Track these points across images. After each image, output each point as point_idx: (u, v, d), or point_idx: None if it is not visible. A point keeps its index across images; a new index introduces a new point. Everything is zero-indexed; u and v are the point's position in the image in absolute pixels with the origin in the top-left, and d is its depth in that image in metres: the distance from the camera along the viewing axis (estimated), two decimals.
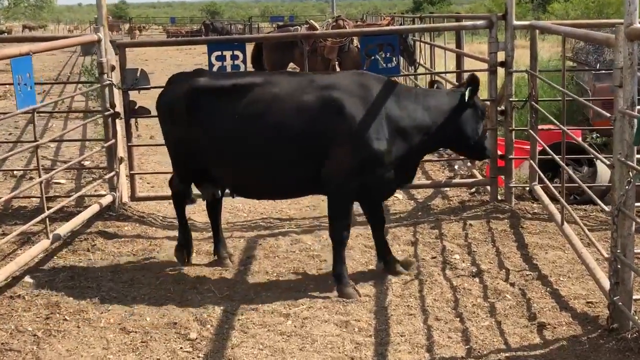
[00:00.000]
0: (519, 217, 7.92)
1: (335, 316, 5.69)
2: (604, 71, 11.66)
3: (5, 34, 40.77)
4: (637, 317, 5.12)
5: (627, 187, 4.80)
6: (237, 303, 5.98)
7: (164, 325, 5.62)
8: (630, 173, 4.80)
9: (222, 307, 5.90)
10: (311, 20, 17.69)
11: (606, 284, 5.35)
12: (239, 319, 5.69)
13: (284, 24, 22.33)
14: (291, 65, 16.24)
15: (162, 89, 6.69)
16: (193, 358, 5.13)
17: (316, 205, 8.54)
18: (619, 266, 4.93)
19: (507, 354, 4.98)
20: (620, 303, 4.94)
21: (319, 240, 7.49)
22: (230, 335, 5.41)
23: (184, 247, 6.92)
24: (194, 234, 7.21)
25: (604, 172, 8.85)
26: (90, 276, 6.66)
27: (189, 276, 6.61)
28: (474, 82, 6.20)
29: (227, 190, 6.66)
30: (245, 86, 6.20)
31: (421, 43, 14.94)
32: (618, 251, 4.92)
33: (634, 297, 5.00)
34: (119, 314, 5.85)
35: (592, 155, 8.59)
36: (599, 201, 5.47)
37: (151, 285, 6.42)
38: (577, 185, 7.35)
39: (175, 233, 7.72)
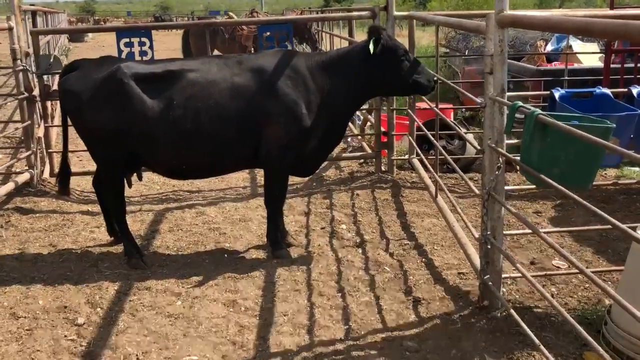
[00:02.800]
0: (400, 187, 6.92)
1: (224, 294, 4.58)
2: (472, 56, 10.76)
3: None
4: (506, 296, 4.18)
5: (497, 172, 3.80)
6: (132, 282, 4.80)
7: (54, 309, 4.42)
8: (500, 159, 3.79)
9: (116, 287, 4.72)
10: (230, 12, 16.30)
11: (476, 259, 4.40)
12: (130, 300, 4.52)
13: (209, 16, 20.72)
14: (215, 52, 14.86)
15: (66, 74, 5.05)
16: (75, 347, 3.96)
17: (224, 177, 7.34)
18: (489, 247, 3.95)
19: (383, 335, 3.96)
20: (490, 283, 3.96)
21: (222, 212, 6.33)
22: (117, 320, 4.25)
23: (139, 253, 5.20)
24: (98, 209, 5.91)
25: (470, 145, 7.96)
26: None
27: (92, 254, 5.38)
28: (375, 32, 4.96)
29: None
30: (179, 71, 4.92)
31: (322, 32, 13.76)
32: (488, 233, 3.92)
33: (503, 276, 4.03)
34: (14, 297, 4.62)
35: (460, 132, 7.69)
36: (472, 185, 4.45)
37: (53, 264, 5.17)
38: (450, 156, 6.35)
39: (89, 207, 6.49)
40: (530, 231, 4.80)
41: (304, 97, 4.94)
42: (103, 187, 5.32)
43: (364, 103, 6.40)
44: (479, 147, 4.08)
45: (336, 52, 5.37)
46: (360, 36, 9.98)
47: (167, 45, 23.42)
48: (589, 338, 2.79)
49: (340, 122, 5.27)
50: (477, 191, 4.31)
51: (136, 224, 5.98)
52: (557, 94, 3.96)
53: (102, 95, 4.82)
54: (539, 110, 3.12)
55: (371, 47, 4.89)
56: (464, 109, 10.17)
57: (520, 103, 3.34)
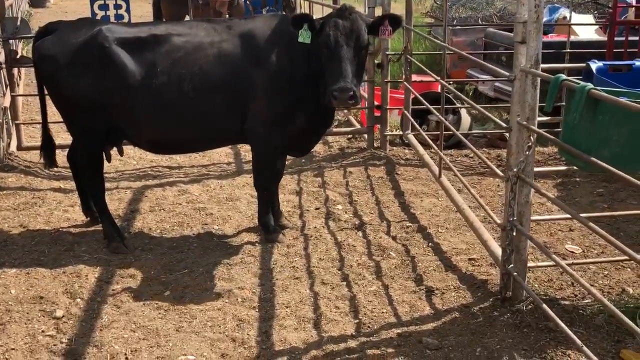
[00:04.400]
0: (394, 164, 6.56)
1: (217, 283, 4.19)
2: (459, 27, 10.41)
3: None
4: (529, 286, 3.86)
5: (527, 152, 3.45)
6: (114, 269, 4.38)
7: (29, 300, 3.98)
8: (531, 137, 3.45)
9: (96, 275, 4.29)
10: None
11: (493, 246, 4.09)
12: (113, 290, 4.11)
13: None
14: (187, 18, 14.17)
15: (41, 38, 4.57)
16: (55, 344, 3.54)
17: (204, 153, 6.87)
18: (514, 234, 3.62)
19: (398, 330, 3.62)
20: (515, 273, 3.64)
21: (206, 190, 5.90)
22: (101, 312, 3.84)
23: (120, 236, 4.76)
24: (71, 186, 5.43)
25: (465, 120, 7.65)
26: None
27: (68, 235, 4.92)
28: (299, 23, 4.19)
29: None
30: (164, 35, 4.48)
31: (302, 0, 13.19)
32: (514, 219, 3.59)
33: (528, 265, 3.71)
34: None
35: (458, 105, 7.37)
36: (496, 169, 4.09)
37: (25, 247, 4.71)
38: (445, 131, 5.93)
39: (61, 183, 6.00)
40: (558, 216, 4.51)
41: (292, 68, 4.44)
42: (79, 162, 4.86)
43: None
44: (505, 125, 3.72)
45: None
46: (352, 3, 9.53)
47: (132, 12, 22.56)
48: None
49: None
50: (500, 173, 3.97)
51: (114, 203, 5.52)
52: (594, 66, 3.62)
53: (82, 61, 4.38)
54: (590, 85, 2.77)
55: (301, 39, 4.22)
56: (451, 82, 9.83)
57: (564, 76, 2.99)
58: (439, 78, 5.40)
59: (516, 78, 3.47)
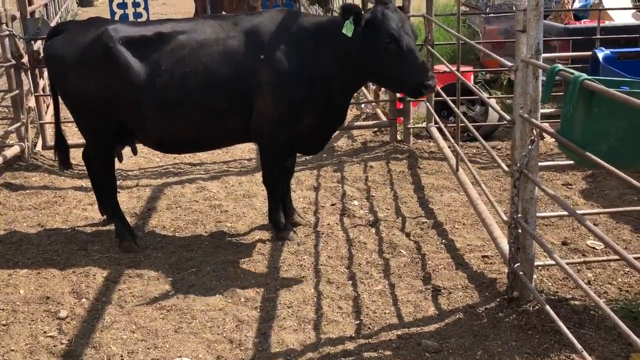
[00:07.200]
0: (417, 157, 6.41)
1: (223, 282, 4.15)
2: (492, 14, 10.11)
3: None
4: (537, 285, 3.69)
5: (530, 146, 3.29)
6: (122, 268, 4.39)
7: (36, 300, 4.02)
8: (533, 131, 3.28)
9: (104, 274, 4.31)
10: None
11: (503, 243, 3.93)
12: (119, 290, 4.11)
13: None
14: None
15: (52, 38, 4.63)
16: (55, 345, 3.56)
17: (228, 148, 6.85)
18: (519, 231, 3.46)
19: (398, 332, 3.51)
20: (521, 272, 3.49)
21: (224, 187, 5.87)
22: (103, 313, 3.84)
23: (132, 235, 4.74)
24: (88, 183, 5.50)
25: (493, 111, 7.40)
26: None
27: (83, 234, 4.96)
28: (348, 12, 4.09)
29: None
30: (169, 33, 4.45)
31: None
32: (519, 216, 3.44)
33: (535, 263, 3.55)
34: None
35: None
36: (500, 162, 3.91)
37: (40, 247, 4.77)
38: (472, 123, 5.77)
39: (83, 182, 6.05)
40: (565, 212, 4.32)
41: (298, 66, 4.33)
42: (92, 161, 4.90)
43: (361, 84, 4.96)
44: (508, 118, 3.56)
45: (329, 20, 4.63)
46: None
47: (177, 8, 22.69)
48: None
49: (338, 98, 4.54)
50: (505, 168, 3.80)
51: (132, 201, 5.56)
52: (600, 55, 3.42)
53: (87, 61, 4.41)
54: (584, 75, 2.61)
55: (345, 30, 4.11)
56: (484, 72, 9.56)
57: (560, 66, 2.83)
58: (453, 69, 5.22)
59: (518, 69, 3.31)
